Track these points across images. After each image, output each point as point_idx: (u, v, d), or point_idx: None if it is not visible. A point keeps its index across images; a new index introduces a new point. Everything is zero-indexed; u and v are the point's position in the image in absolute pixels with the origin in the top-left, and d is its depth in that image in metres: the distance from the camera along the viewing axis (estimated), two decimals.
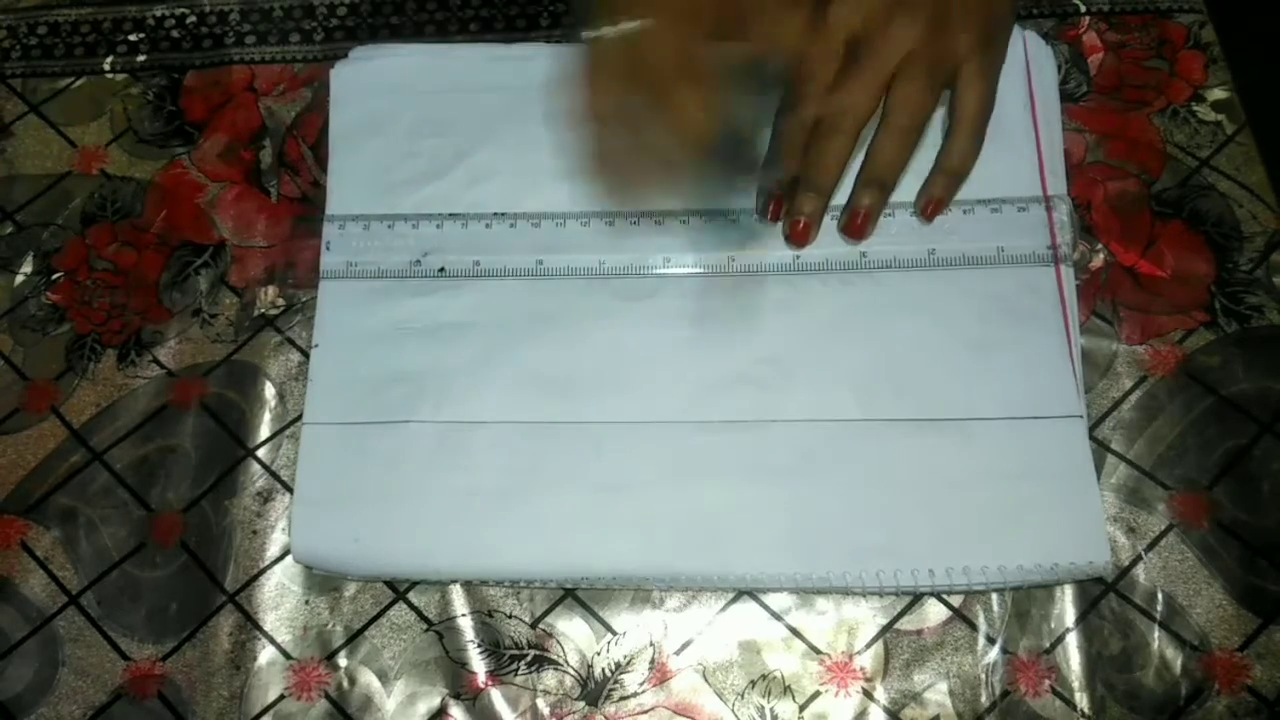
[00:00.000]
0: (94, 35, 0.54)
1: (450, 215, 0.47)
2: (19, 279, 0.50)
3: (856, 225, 0.45)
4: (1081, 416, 0.43)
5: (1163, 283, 0.46)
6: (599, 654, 0.42)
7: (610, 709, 0.41)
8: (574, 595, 0.43)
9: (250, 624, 0.43)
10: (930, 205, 0.45)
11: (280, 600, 0.43)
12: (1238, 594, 0.41)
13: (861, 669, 0.41)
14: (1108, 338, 0.45)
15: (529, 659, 0.42)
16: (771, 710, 0.41)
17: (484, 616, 0.43)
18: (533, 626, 0.42)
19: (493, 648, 0.42)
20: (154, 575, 0.44)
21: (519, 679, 0.42)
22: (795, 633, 0.42)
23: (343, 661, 0.42)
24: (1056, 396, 0.43)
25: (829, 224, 0.46)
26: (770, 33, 0.38)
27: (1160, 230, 0.47)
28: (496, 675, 0.42)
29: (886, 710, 0.40)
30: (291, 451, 0.45)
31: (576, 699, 0.41)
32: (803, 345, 0.44)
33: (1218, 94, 0.49)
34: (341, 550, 0.43)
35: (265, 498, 0.45)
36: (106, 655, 0.43)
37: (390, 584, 0.43)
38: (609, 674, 0.42)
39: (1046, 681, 0.40)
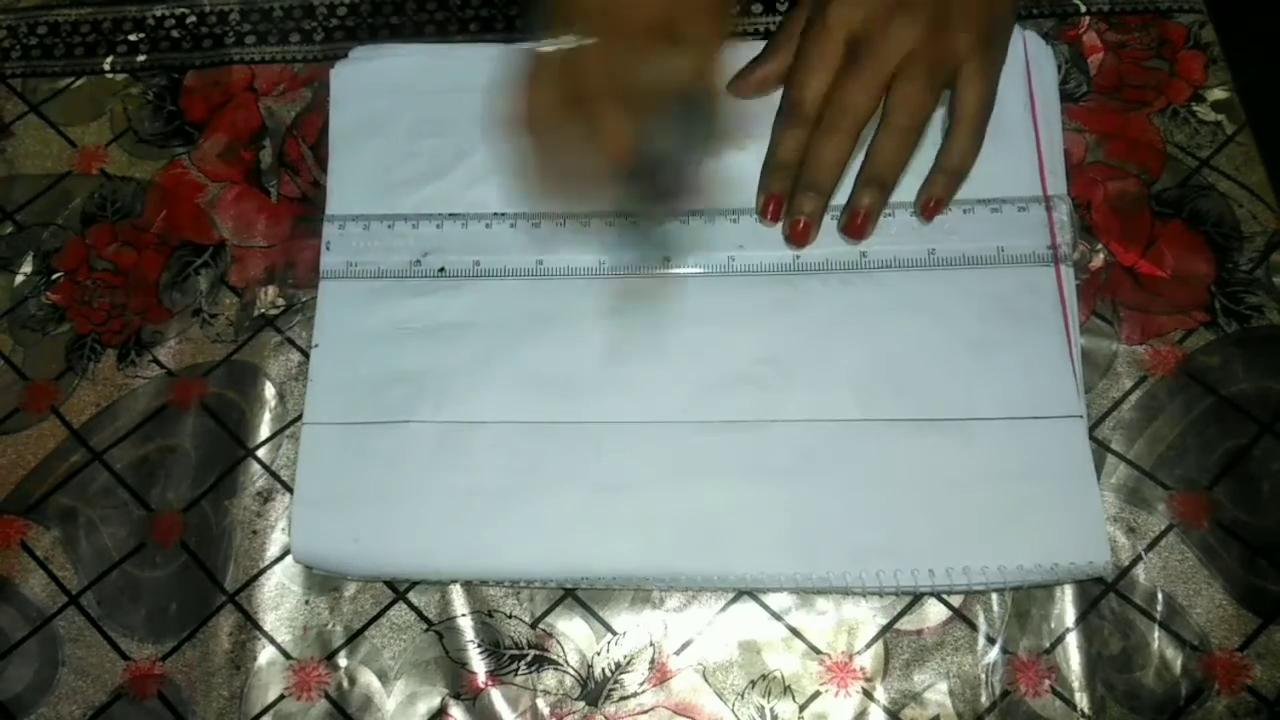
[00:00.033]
0: (94, 35, 0.54)
1: (450, 215, 0.47)
2: (19, 279, 0.50)
3: (856, 225, 0.45)
4: (1081, 416, 0.43)
5: (1163, 283, 0.46)
6: (599, 654, 0.42)
7: (610, 709, 0.41)
8: (574, 595, 0.43)
9: (250, 624, 0.43)
10: (930, 204, 0.45)
11: (280, 600, 0.43)
12: (1238, 594, 0.41)
13: (861, 669, 0.41)
14: (1108, 338, 0.45)
15: (529, 659, 0.42)
16: (771, 710, 0.41)
17: (484, 616, 0.43)
18: (533, 626, 0.42)
19: (493, 648, 0.42)
20: (154, 575, 0.44)
21: (519, 679, 0.42)
22: (795, 633, 0.42)
23: (343, 661, 0.42)
24: (1056, 396, 0.43)
25: (829, 224, 0.46)
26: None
27: (1160, 230, 0.47)
28: (496, 675, 0.42)
29: (886, 710, 0.40)
30: (291, 451, 0.45)
31: (576, 699, 0.41)
32: (802, 345, 0.44)
33: (1218, 94, 0.49)
34: (341, 550, 0.43)
35: (265, 498, 0.45)
36: (106, 655, 0.43)
37: (390, 584, 0.43)
38: (609, 674, 0.42)
39: (1046, 681, 0.40)
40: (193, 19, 0.54)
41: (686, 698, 0.41)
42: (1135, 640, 0.41)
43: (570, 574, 0.42)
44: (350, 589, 0.43)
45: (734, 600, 0.42)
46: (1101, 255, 0.46)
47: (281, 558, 0.44)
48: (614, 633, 0.42)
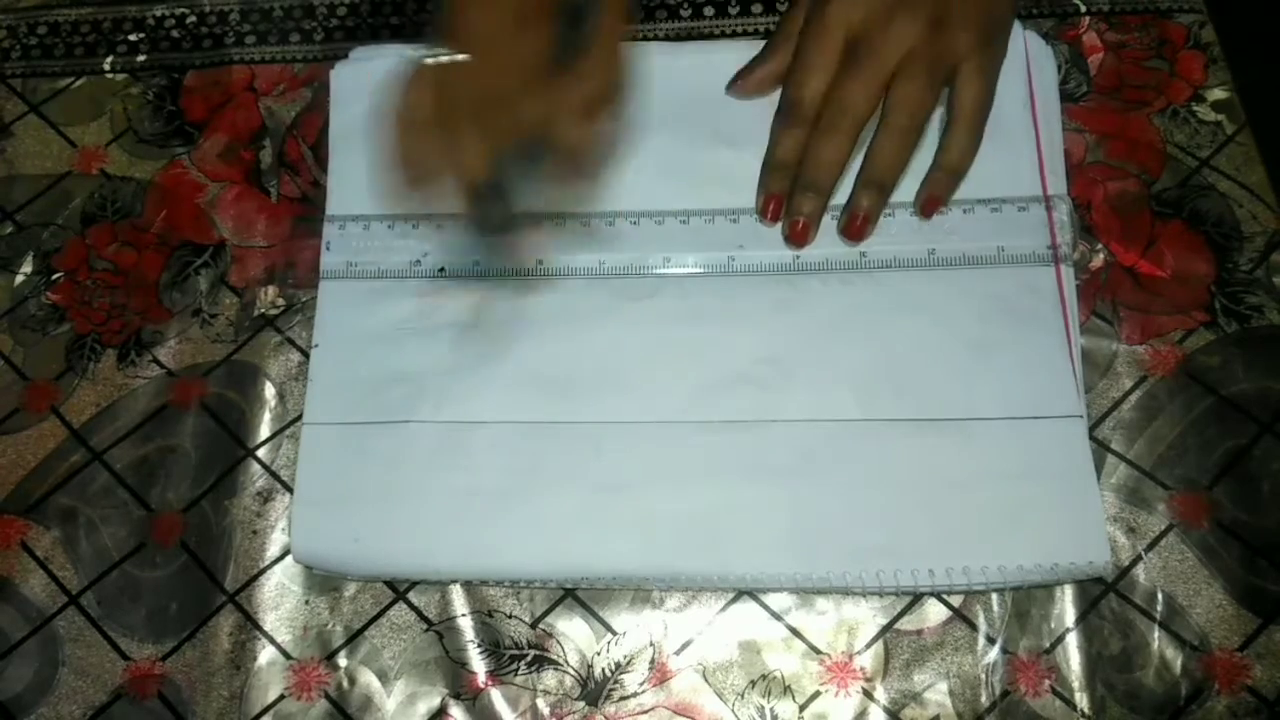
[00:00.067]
0: (94, 35, 0.54)
1: (450, 215, 0.47)
2: (19, 279, 0.50)
3: (856, 227, 0.45)
4: (1081, 416, 0.43)
5: (1163, 283, 0.46)
6: (599, 654, 0.42)
7: (610, 709, 0.41)
8: (574, 595, 0.43)
9: (250, 624, 0.43)
10: (929, 202, 0.45)
11: (280, 600, 0.43)
12: (1238, 594, 0.41)
13: (861, 669, 0.41)
14: (1108, 338, 0.45)
15: (529, 659, 0.42)
16: (771, 710, 0.41)
17: (484, 616, 0.43)
18: (533, 626, 0.42)
19: (493, 648, 0.42)
20: (154, 575, 0.44)
21: (519, 679, 0.42)
22: (795, 633, 0.42)
23: (343, 661, 0.42)
24: (1056, 396, 0.43)
25: (829, 224, 0.46)
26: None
27: (1160, 230, 0.47)
28: (496, 675, 0.42)
29: (886, 710, 0.40)
30: (291, 451, 0.45)
31: (576, 699, 0.41)
32: (802, 345, 0.44)
33: (1218, 94, 0.49)
34: (341, 550, 0.43)
35: (265, 498, 0.45)
36: (106, 655, 0.43)
37: (390, 584, 0.43)
38: (609, 674, 0.42)
39: (1046, 681, 0.40)
40: (193, 19, 0.54)
41: (686, 698, 0.41)
42: (1135, 640, 0.41)
43: (570, 574, 0.42)
44: (350, 589, 0.43)
45: (734, 600, 0.42)
46: (1101, 255, 0.46)
47: (281, 558, 0.44)
48: (614, 633, 0.42)
